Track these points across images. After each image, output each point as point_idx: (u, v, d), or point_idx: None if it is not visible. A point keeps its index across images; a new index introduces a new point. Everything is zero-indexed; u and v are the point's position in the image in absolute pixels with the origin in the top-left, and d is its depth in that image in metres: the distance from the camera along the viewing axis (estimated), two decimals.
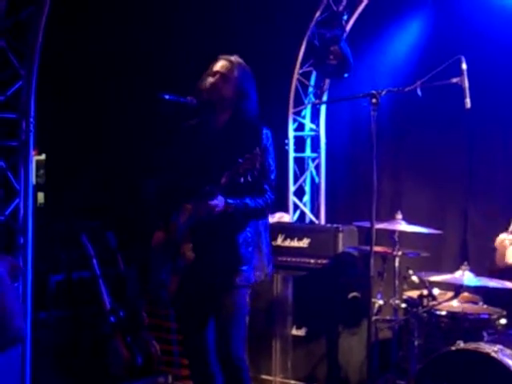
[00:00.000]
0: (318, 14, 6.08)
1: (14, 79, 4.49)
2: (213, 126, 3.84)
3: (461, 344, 3.84)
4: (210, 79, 3.78)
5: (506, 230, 4.39)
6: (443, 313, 4.25)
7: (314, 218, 6.48)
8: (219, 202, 3.55)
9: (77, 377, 5.14)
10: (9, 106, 4.49)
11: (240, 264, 3.75)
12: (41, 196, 7.37)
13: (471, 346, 3.83)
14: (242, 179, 3.45)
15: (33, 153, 4.58)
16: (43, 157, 7.48)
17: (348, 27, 6.05)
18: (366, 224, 4.15)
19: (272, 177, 3.78)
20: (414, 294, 4.46)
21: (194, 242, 3.70)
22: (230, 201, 3.58)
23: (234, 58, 3.83)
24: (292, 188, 6.48)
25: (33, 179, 4.60)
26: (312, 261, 5.13)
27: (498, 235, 4.47)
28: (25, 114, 4.50)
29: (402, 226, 4.68)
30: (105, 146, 6.87)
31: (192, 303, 3.85)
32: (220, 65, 3.80)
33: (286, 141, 6.42)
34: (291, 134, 6.47)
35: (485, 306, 4.39)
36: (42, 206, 7.25)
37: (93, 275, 5.21)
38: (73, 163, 7.01)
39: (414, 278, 4.54)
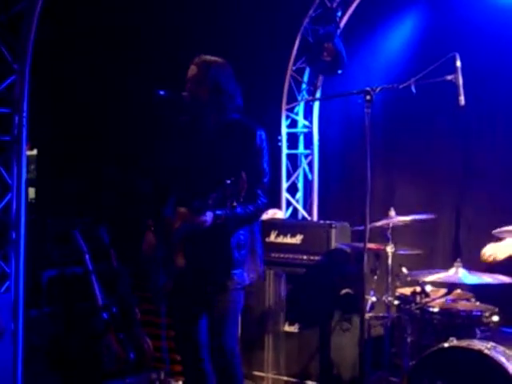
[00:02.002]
0: (311, 10, 6.08)
1: (7, 74, 4.46)
2: (206, 124, 3.81)
3: (454, 341, 3.86)
4: (187, 90, 3.76)
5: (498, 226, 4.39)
6: (436, 310, 4.27)
7: (306, 215, 6.48)
8: (207, 217, 3.52)
9: (69, 373, 5.13)
10: (1, 101, 4.47)
11: (232, 268, 3.75)
12: (32, 191, 7.33)
13: (464, 342, 3.84)
14: (228, 203, 3.41)
15: (25, 148, 4.56)
16: (35, 152, 7.44)
17: (342, 24, 6.04)
18: (362, 228, 4.12)
19: (265, 180, 3.75)
20: (407, 290, 4.48)
21: (186, 245, 3.69)
22: (218, 212, 3.55)
23: (198, 59, 3.79)
24: (285, 185, 6.49)
25: (25, 174, 4.57)
26: (305, 257, 5.12)
27: (490, 232, 4.48)
28: (18, 108, 4.47)
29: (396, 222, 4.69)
30: (98, 141, 6.85)
31: (186, 302, 3.85)
32: (189, 72, 3.79)
33: (279, 137, 6.42)
34: (284, 130, 6.46)
35: (477, 303, 4.40)
36: (32, 202, 7.21)
37: (85, 271, 5.20)
38: (65, 159, 6.98)
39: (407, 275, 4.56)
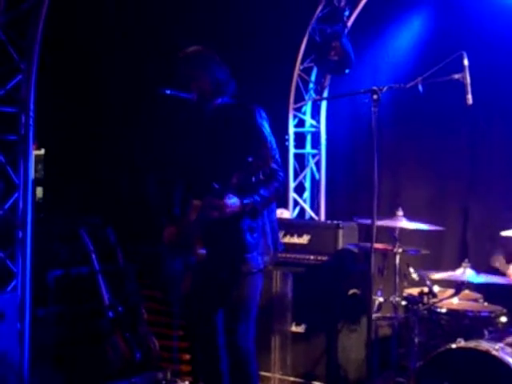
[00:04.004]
0: (319, 9, 6.07)
1: (14, 73, 4.47)
2: (207, 113, 3.81)
3: (461, 342, 3.83)
4: (191, 90, 3.77)
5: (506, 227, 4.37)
6: (443, 310, 4.25)
7: (313, 215, 6.47)
8: (232, 203, 3.50)
9: (75, 373, 5.13)
10: (8, 100, 4.47)
11: (245, 251, 3.69)
12: (39, 191, 7.34)
13: (472, 343, 3.82)
14: (254, 178, 3.41)
15: (32, 147, 4.56)
16: (42, 151, 7.45)
17: (349, 23, 6.03)
18: (367, 221, 4.13)
19: (274, 154, 3.69)
20: (415, 291, 4.45)
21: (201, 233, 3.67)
22: (246, 201, 3.55)
23: (181, 54, 3.81)
24: (292, 184, 6.47)
25: (32, 174, 4.58)
26: (312, 257, 5.11)
27: (498, 233, 4.46)
28: (24, 107, 4.48)
29: (403, 223, 4.66)
30: (104, 140, 6.85)
31: (202, 294, 3.82)
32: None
33: (287, 137, 6.41)
34: (291, 130, 6.45)
35: (485, 304, 4.38)
36: (40, 201, 7.22)
37: (92, 271, 5.19)
38: (72, 158, 6.98)
39: (414, 276, 4.53)
